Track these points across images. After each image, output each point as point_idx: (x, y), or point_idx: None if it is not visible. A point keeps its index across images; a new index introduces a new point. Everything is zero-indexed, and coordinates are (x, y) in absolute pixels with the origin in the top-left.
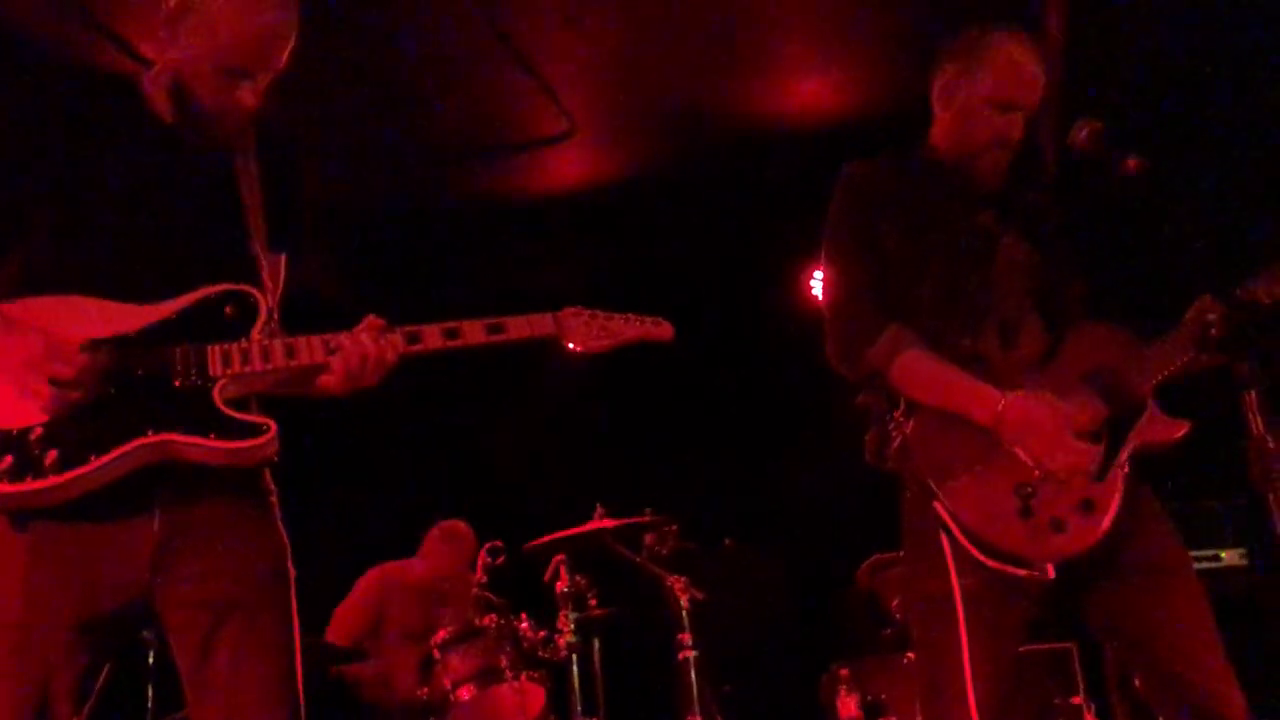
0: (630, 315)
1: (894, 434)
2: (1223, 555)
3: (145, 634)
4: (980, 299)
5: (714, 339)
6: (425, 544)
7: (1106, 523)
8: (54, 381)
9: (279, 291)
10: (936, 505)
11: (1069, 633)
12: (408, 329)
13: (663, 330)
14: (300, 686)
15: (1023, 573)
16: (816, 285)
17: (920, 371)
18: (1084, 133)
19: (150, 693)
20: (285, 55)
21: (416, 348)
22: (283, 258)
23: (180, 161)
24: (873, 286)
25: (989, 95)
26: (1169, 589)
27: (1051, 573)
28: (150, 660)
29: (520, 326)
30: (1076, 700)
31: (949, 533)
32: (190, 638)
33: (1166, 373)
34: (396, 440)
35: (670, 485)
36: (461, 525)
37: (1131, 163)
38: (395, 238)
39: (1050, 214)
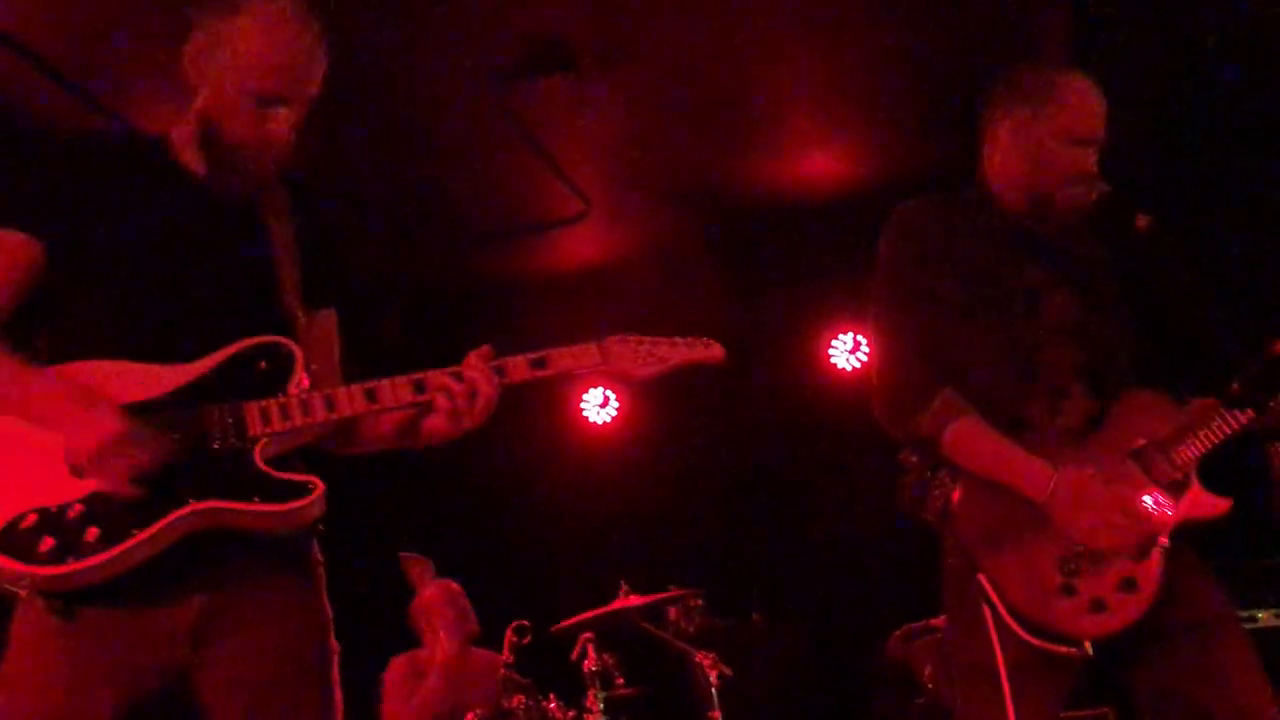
0: (678, 339)
1: (937, 494)
2: (1260, 616)
3: None
4: (1027, 359)
5: (734, 410)
6: (421, 616)
7: (1148, 602)
8: (133, 469)
9: (331, 348)
10: (980, 578)
11: (1105, 698)
12: (494, 362)
13: (713, 352)
14: None
15: (1064, 650)
16: (836, 353)
17: (972, 442)
18: (1093, 196)
19: None
20: (317, 81)
21: (505, 381)
22: (332, 313)
23: (211, 216)
24: (924, 345)
25: (1064, 130)
26: (1218, 643)
27: (1090, 650)
28: None
29: (564, 358)
30: None
31: (991, 605)
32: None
33: (1211, 445)
34: (415, 524)
35: (693, 561)
36: (447, 582)
37: (1141, 222)
38: (411, 320)
39: (1103, 269)
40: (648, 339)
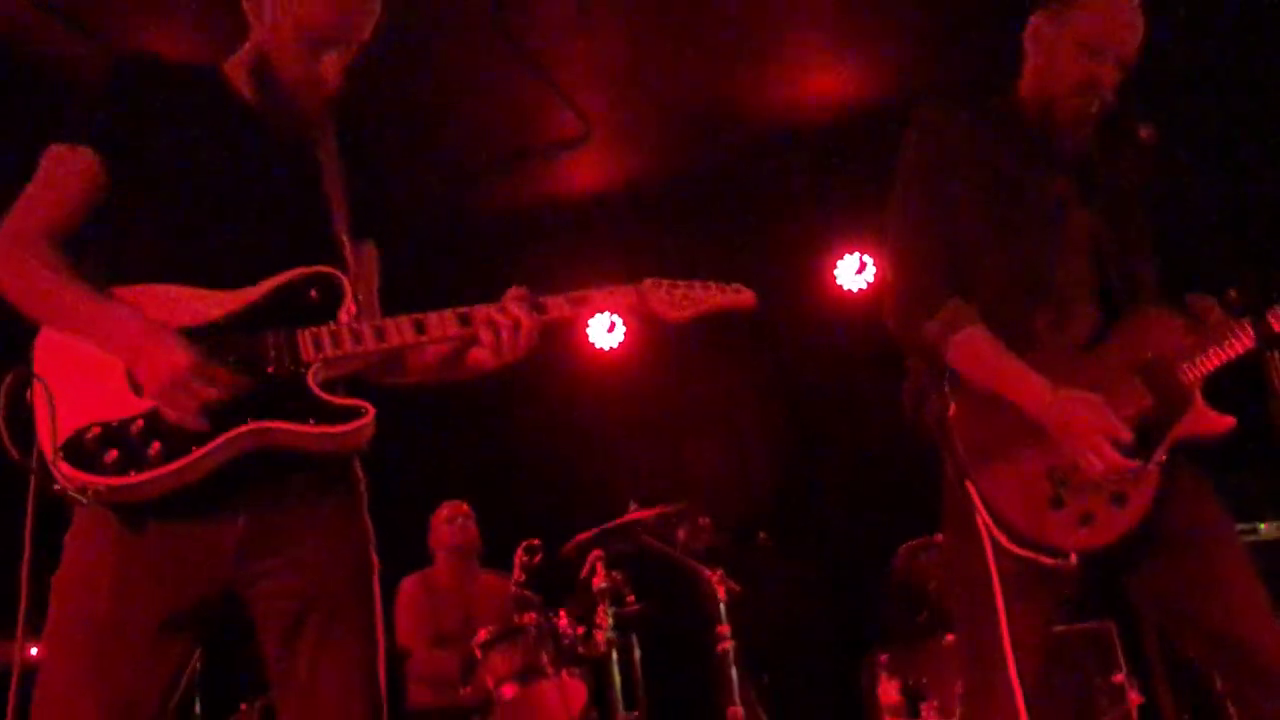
0: (710, 283)
1: (936, 401)
2: (1261, 527)
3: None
4: (1043, 274)
5: (741, 333)
6: (431, 534)
7: (1137, 517)
8: (202, 405)
9: (372, 279)
10: (969, 486)
11: (1107, 610)
12: (535, 299)
13: (744, 298)
14: (383, 679)
15: (1048, 561)
16: (842, 274)
17: (976, 353)
18: (1094, 108)
19: (198, 706)
20: (369, 27)
21: (546, 318)
22: (370, 246)
23: (264, 144)
24: (939, 253)
25: (1081, 36)
26: (1214, 553)
27: (1075, 561)
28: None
29: (602, 299)
30: (1118, 679)
31: (980, 515)
32: (274, 629)
33: (1219, 364)
34: (425, 447)
35: (701, 482)
36: (455, 502)
37: (1144, 133)
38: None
39: (1130, 186)
40: (682, 283)
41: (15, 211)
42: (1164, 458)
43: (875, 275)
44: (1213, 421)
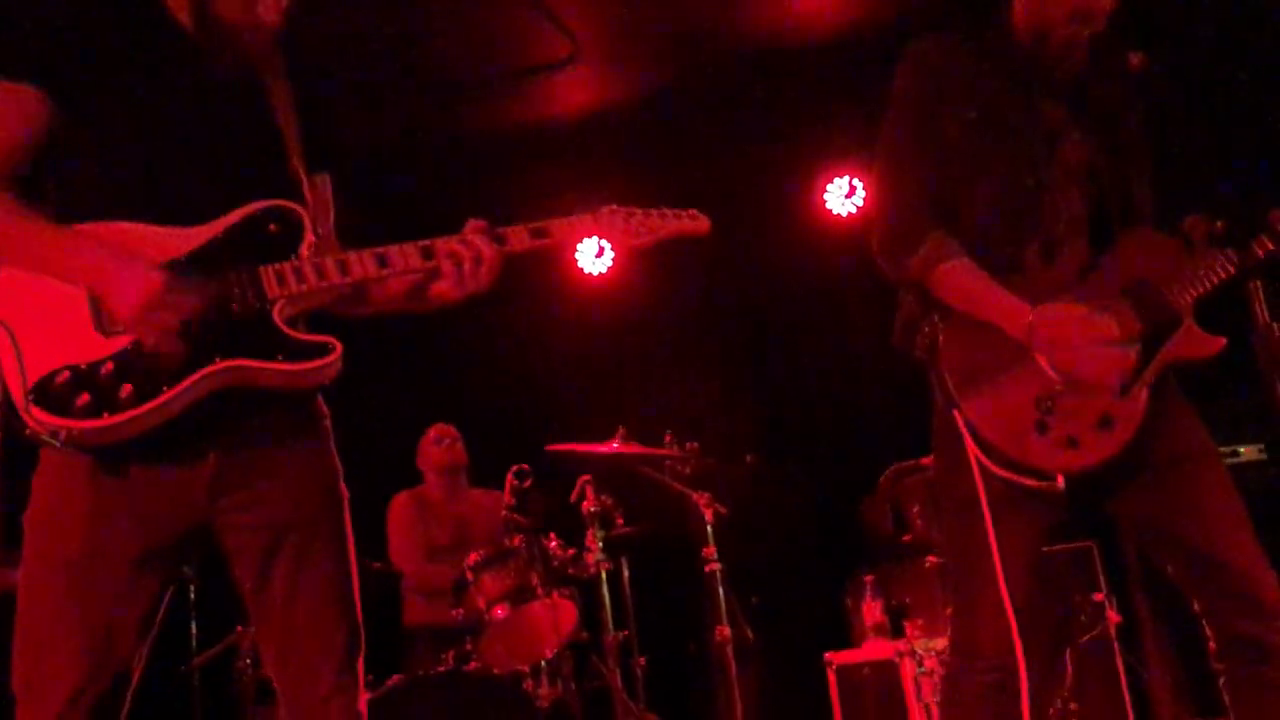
0: (666, 210)
1: (927, 332)
2: (1241, 451)
3: (185, 570)
4: (1031, 204)
5: (729, 255)
6: (419, 457)
7: (1123, 440)
8: (180, 324)
9: (328, 213)
10: (955, 414)
11: (1089, 532)
12: (495, 231)
13: (699, 224)
14: (358, 607)
15: (1033, 483)
16: (831, 197)
17: (958, 282)
18: (1085, 34)
19: (194, 629)
20: None
21: (507, 249)
22: (327, 178)
23: (211, 77)
24: (924, 186)
25: None
26: (1197, 477)
27: (1061, 484)
28: (192, 596)
29: (562, 229)
30: (1098, 597)
31: (967, 440)
32: (249, 561)
33: (1209, 288)
34: (416, 372)
35: (690, 406)
36: (442, 425)
37: (1134, 60)
38: (402, 172)
39: (1125, 112)
40: (639, 210)
41: None
42: (1152, 379)
43: (865, 200)
44: (1203, 343)
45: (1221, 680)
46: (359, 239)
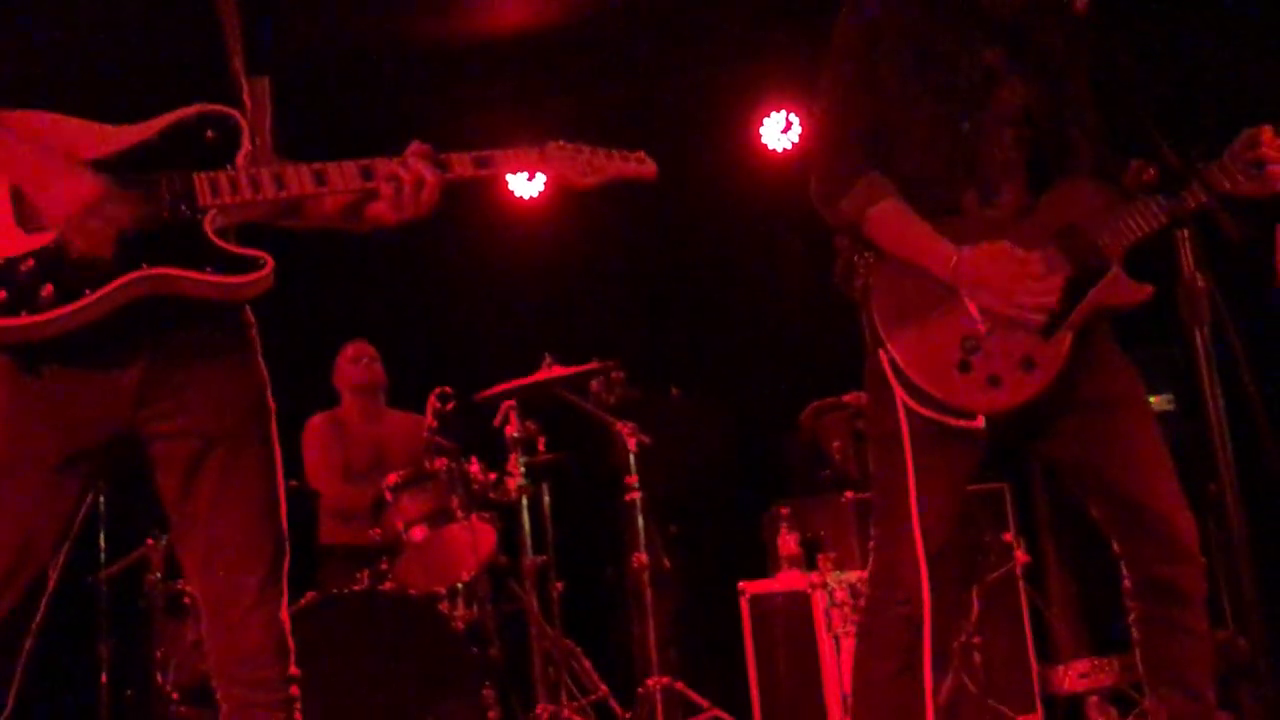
0: (614, 151)
1: (861, 273)
2: (1151, 400)
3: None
4: (968, 147)
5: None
6: (336, 374)
7: (1044, 382)
8: (116, 232)
9: (265, 119)
10: (880, 353)
11: (1003, 474)
12: (438, 156)
13: (647, 169)
14: (284, 518)
15: (954, 422)
16: (767, 132)
17: (889, 224)
18: None
19: (102, 540)
20: None
21: (449, 176)
22: (267, 82)
23: None
24: (861, 130)
25: None
26: (1123, 421)
27: (982, 423)
28: (102, 507)
29: (506, 160)
30: (1007, 537)
31: (890, 378)
32: (173, 470)
33: (1140, 236)
34: (340, 292)
35: (615, 334)
36: (360, 343)
37: (1079, 3)
38: (339, 79)
39: (1065, 55)
40: (586, 148)
41: None
42: (1079, 322)
43: (801, 137)
44: (1131, 290)
45: (1131, 617)
46: (292, 148)
